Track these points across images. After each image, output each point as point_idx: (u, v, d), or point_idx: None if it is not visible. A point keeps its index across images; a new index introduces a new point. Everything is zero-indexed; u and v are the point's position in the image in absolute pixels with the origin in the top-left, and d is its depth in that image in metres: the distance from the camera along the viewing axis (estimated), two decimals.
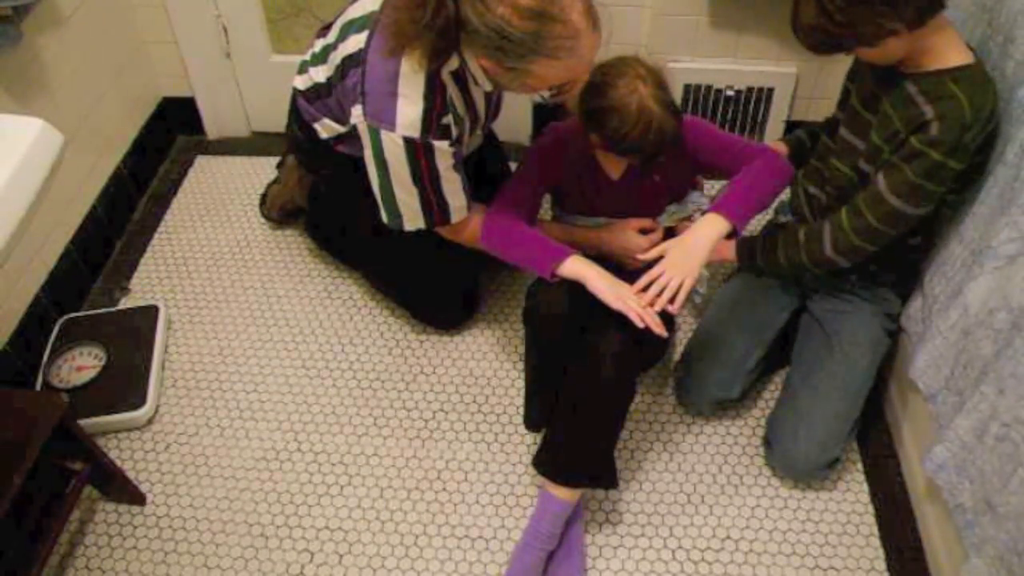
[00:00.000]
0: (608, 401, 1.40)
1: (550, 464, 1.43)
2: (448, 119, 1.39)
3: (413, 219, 1.50)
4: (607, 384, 1.38)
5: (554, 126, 1.57)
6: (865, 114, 1.41)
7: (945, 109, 1.23)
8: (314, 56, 1.57)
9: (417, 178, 1.41)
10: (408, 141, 1.36)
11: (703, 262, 1.35)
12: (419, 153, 1.38)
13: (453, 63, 1.34)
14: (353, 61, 1.40)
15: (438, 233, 1.57)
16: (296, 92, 1.63)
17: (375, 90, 1.36)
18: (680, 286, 1.33)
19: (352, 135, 1.48)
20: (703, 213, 1.44)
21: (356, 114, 1.40)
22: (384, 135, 1.37)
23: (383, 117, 1.36)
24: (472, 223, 1.54)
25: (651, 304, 1.33)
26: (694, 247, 1.36)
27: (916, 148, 1.27)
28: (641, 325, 1.30)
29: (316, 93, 1.56)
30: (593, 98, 1.34)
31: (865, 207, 1.37)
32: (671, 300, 1.33)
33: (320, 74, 1.54)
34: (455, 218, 1.51)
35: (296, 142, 1.74)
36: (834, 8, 1.20)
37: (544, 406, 1.51)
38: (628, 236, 1.53)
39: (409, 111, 1.35)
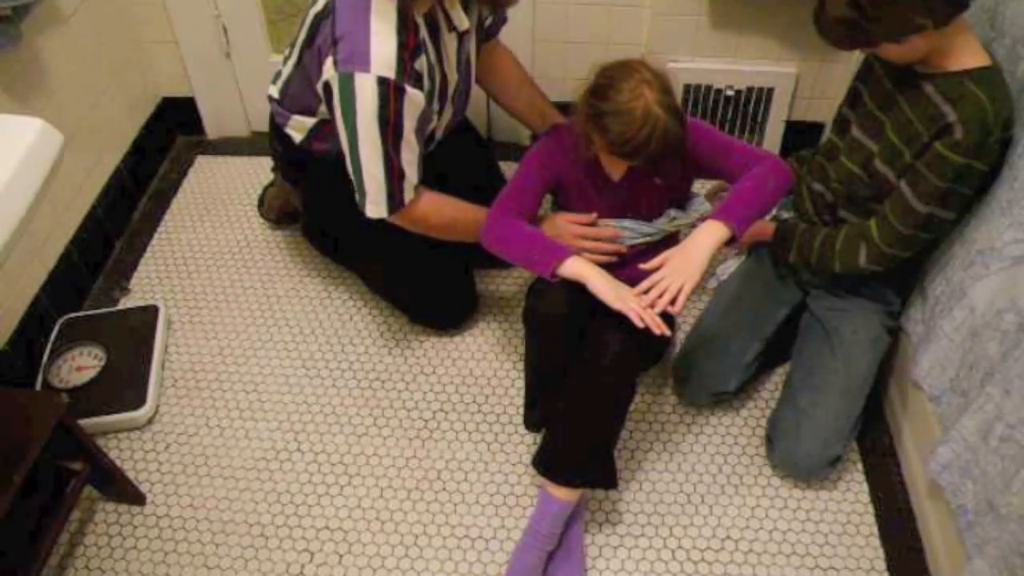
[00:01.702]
0: (608, 401, 1.40)
1: (550, 464, 1.43)
2: (421, 63, 1.39)
3: (376, 198, 1.48)
4: (607, 384, 1.38)
5: (555, 126, 1.57)
6: (879, 114, 1.41)
7: (967, 110, 1.23)
8: (284, 59, 1.59)
9: (384, 133, 1.39)
10: (382, 82, 1.35)
11: (703, 267, 1.35)
12: (391, 97, 1.37)
13: (426, 4, 1.35)
14: (322, 15, 1.40)
15: (399, 225, 1.55)
16: (271, 101, 1.65)
17: (347, 32, 1.36)
18: (680, 289, 1.33)
19: (324, 125, 1.47)
20: (703, 219, 1.44)
21: (327, 70, 1.39)
22: (358, 79, 1.36)
23: (357, 58, 1.35)
24: (421, 206, 1.53)
25: (651, 306, 1.33)
26: (694, 253, 1.36)
27: (940, 153, 1.27)
28: (641, 325, 1.30)
29: (288, 85, 1.57)
30: (598, 101, 1.33)
31: (894, 217, 1.37)
32: (672, 302, 1.33)
33: (288, 67, 1.55)
34: (408, 195, 1.50)
35: (277, 156, 1.73)
36: (866, 1, 1.20)
37: (544, 406, 1.51)
38: (557, 224, 1.52)
39: (384, 48, 1.35)
